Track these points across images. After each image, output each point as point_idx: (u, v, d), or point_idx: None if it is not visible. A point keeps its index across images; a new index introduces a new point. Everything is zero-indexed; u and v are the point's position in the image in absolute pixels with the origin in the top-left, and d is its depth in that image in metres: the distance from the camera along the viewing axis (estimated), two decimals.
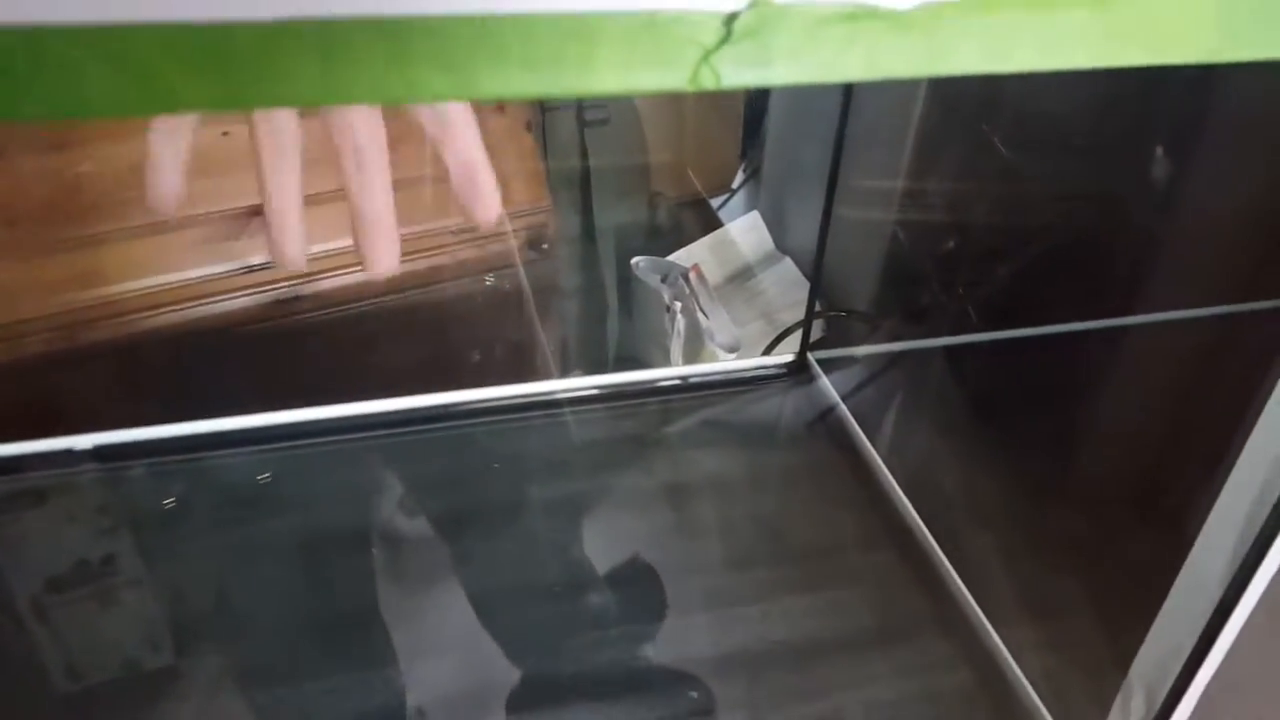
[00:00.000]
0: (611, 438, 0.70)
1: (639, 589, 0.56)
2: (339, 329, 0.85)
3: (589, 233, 1.13)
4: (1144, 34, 0.21)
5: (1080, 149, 0.53)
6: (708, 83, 0.18)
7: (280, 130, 0.33)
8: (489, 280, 0.89)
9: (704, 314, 1.10)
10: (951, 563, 0.55)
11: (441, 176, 0.93)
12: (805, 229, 1.13)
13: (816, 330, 1.04)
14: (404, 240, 0.89)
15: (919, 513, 0.58)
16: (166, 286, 0.82)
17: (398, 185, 0.89)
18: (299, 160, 0.34)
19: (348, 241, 0.86)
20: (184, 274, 0.82)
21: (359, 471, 0.69)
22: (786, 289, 1.17)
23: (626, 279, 1.16)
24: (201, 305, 0.83)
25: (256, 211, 0.83)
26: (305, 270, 0.83)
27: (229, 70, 0.17)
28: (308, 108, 0.34)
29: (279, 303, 0.83)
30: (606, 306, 1.15)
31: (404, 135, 0.91)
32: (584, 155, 1.10)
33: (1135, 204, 0.49)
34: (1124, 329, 0.49)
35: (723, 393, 0.73)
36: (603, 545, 0.59)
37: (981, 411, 0.59)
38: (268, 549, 0.62)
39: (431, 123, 0.34)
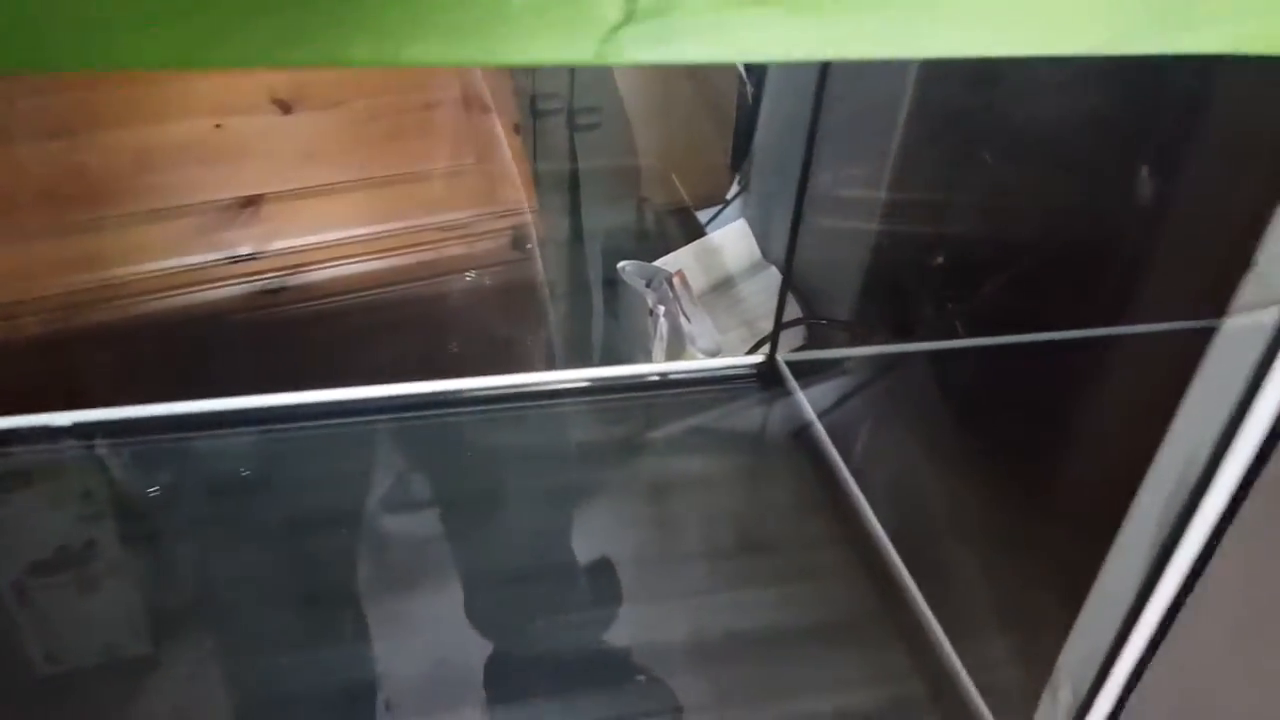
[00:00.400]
0: (576, 430, 0.71)
1: (587, 576, 0.58)
2: (323, 320, 0.87)
3: (577, 235, 1.15)
4: (1036, 26, 0.22)
5: (1035, 165, 0.55)
6: (612, 58, 0.20)
7: None
8: (469, 276, 0.91)
9: (686, 318, 1.11)
10: (902, 560, 0.57)
11: (429, 175, 0.95)
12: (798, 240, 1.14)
13: (799, 336, 1.06)
14: (389, 235, 0.91)
15: (874, 511, 0.60)
16: (158, 273, 0.84)
17: (386, 182, 0.90)
18: None
19: (334, 234, 0.87)
20: (175, 261, 0.84)
21: (324, 456, 0.71)
22: (770, 296, 1.18)
23: (614, 281, 1.18)
24: (190, 292, 0.84)
25: (249, 202, 0.85)
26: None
27: (180, 29, 0.19)
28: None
29: (266, 292, 0.85)
30: (591, 307, 1.17)
31: (395, 133, 0.93)
32: (574, 159, 1.12)
33: (1075, 221, 0.51)
34: (1059, 343, 0.50)
35: (692, 391, 0.74)
36: (550, 533, 0.60)
37: (934, 417, 0.60)
38: (238, 529, 0.64)
39: None
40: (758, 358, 0.78)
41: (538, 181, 1.10)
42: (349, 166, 0.86)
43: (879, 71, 0.81)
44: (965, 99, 0.68)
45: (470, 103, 0.90)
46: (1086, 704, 0.41)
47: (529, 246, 0.95)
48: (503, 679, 0.52)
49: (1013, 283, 0.55)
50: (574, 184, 1.13)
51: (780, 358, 0.76)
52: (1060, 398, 0.49)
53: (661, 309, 1.15)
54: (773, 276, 1.20)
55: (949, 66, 0.67)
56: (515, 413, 0.70)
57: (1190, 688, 0.37)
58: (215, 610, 0.58)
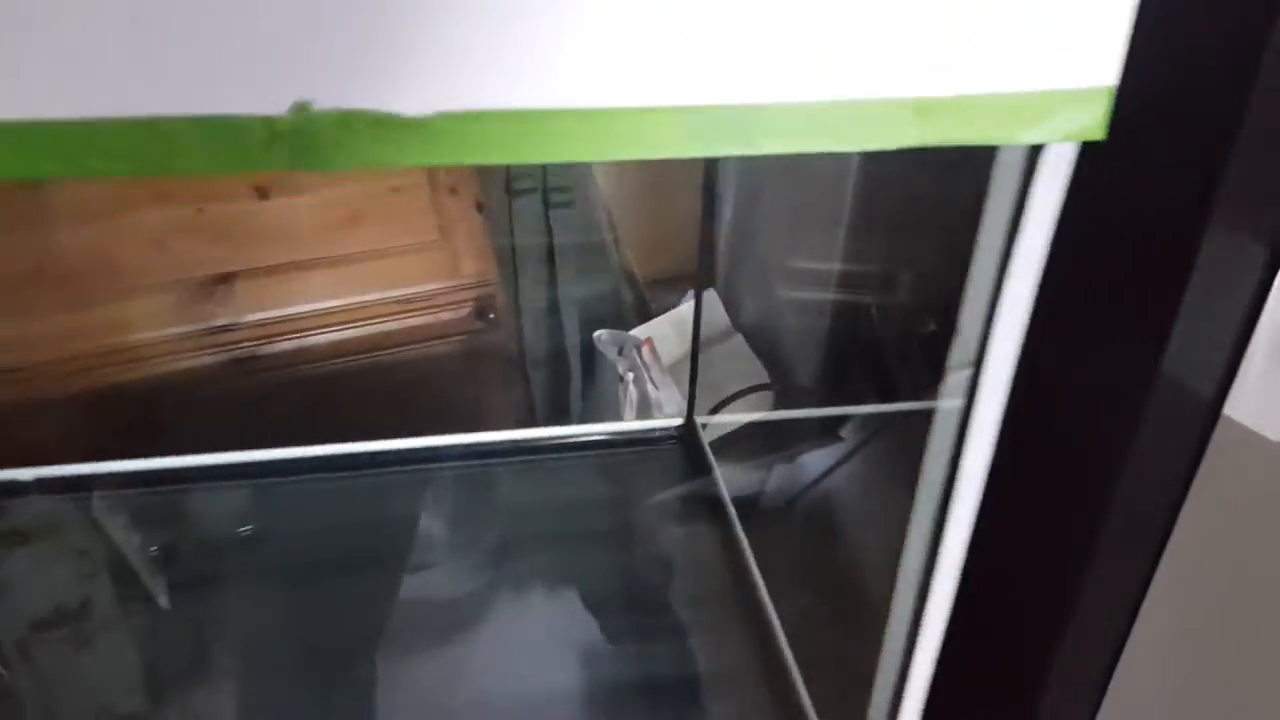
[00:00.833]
0: (489, 489, 0.75)
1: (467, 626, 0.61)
2: (293, 386, 0.93)
3: (553, 306, 1.21)
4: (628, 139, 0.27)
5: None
6: (274, 166, 0.25)
7: None
8: (434, 346, 0.97)
9: (654, 385, 1.16)
10: (781, 629, 0.59)
11: (393, 252, 1.01)
12: (754, 308, 1.18)
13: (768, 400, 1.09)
14: (354, 308, 0.97)
15: (761, 573, 0.62)
16: (142, 343, 0.91)
17: (348, 260, 0.97)
18: None
19: (303, 307, 0.94)
20: (157, 332, 0.91)
21: (272, 508, 0.76)
22: (736, 362, 1.22)
23: (590, 350, 1.23)
24: (171, 359, 0.91)
25: (222, 279, 0.92)
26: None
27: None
28: None
29: (237, 361, 0.91)
30: (568, 374, 1.22)
31: (361, 214, 1.00)
32: (549, 234, 1.18)
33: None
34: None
35: (611, 451, 0.78)
36: (438, 586, 0.64)
37: (822, 482, 0.63)
38: (218, 578, 0.69)
39: None
40: (678, 420, 0.81)
41: (515, 256, 1.17)
42: (318, 245, 0.93)
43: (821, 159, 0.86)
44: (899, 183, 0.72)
45: (436, 184, 0.97)
46: None
47: (491, 316, 1.01)
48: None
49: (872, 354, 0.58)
50: (550, 258, 1.19)
51: (698, 420, 0.80)
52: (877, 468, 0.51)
53: (631, 376, 1.19)
54: (738, 344, 1.23)
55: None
56: (430, 473, 0.75)
57: None
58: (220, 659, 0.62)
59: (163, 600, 0.68)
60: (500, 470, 0.76)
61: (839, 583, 0.60)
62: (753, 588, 0.63)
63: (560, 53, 0.25)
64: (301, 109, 0.25)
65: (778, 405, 1.02)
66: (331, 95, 0.24)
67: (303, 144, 0.25)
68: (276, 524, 0.75)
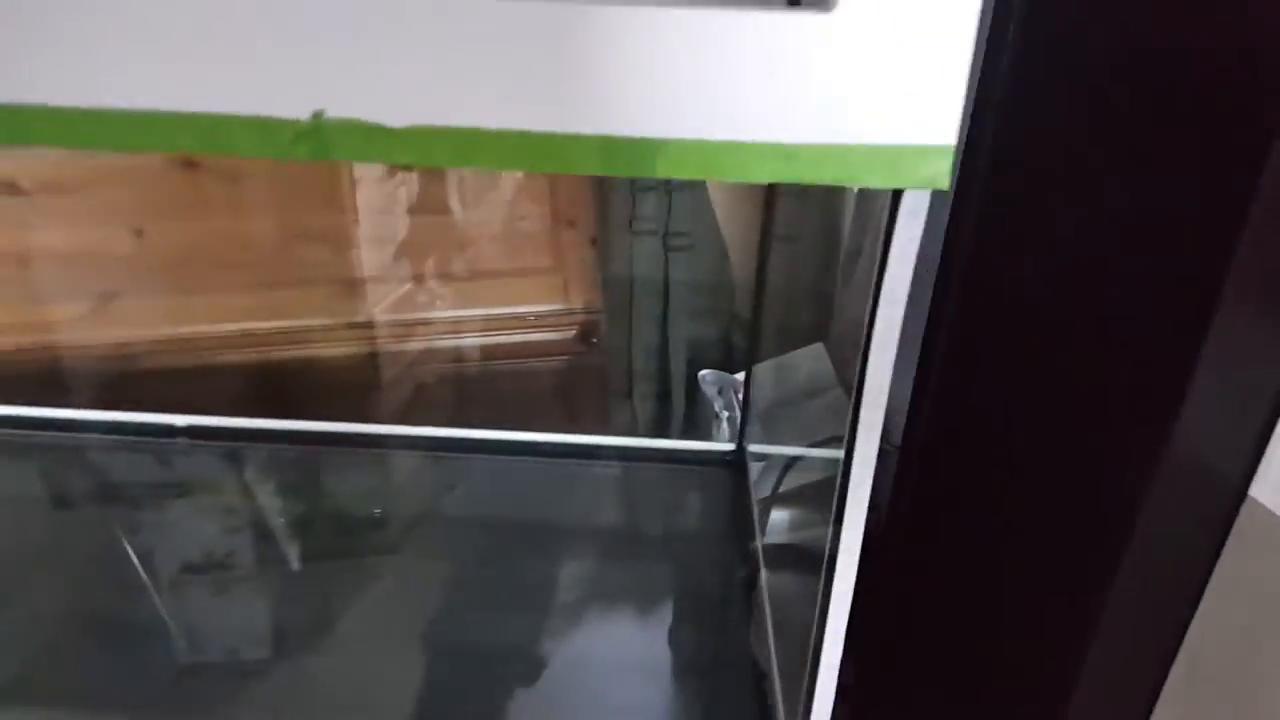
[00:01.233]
0: (543, 488, 0.84)
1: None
2: (413, 382, 1.06)
3: (664, 342, 1.29)
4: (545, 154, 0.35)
5: None
6: (296, 156, 0.34)
7: None
8: (540, 362, 1.07)
9: (739, 436, 1.21)
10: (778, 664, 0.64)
11: (515, 272, 1.13)
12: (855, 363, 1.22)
13: None
14: (474, 320, 1.09)
15: (771, 613, 0.67)
16: (298, 327, 1.06)
17: (475, 276, 1.09)
18: None
19: (431, 314, 1.07)
20: (311, 320, 1.06)
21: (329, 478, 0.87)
22: (834, 414, 1.25)
23: (693, 387, 1.30)
24: (319, 345, 1.06)
25: (368, 281, 1.07)
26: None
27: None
28: None
29: (371, 355, 1.05)
30: (670, 408, 1.29)
31: (485, 240, 1.12)
32: (665, 274, 1.27)
33: None
34: None
35: (662, 467, 0.85)
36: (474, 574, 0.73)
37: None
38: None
39: None
40: (730, 445, 0.87)
41: (633, 290, 1.26)
42: (451, 262, 1.06)
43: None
44: None
45: (557, 218, 1.08)
46: None
47: (594, 341, 1.10)
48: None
49: None
50: (665, 296, 1.27)
51: (748, 447, 0.85)
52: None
53: (726, 414, 1.26)
54: (839, 396, 1.27)
55: None
56: (500, 464, 0.84)
57: None
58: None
59: (295, 555, 0.78)
60: (564, 466, 0.84)
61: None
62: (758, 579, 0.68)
63: (492, 88, 0.33)
64: (317, 116, 0.34)
65: None
66: (338, 107, 0.34)
67: (317, 141, 0.34)
68: (389, 492, 0.86)
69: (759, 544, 0.73)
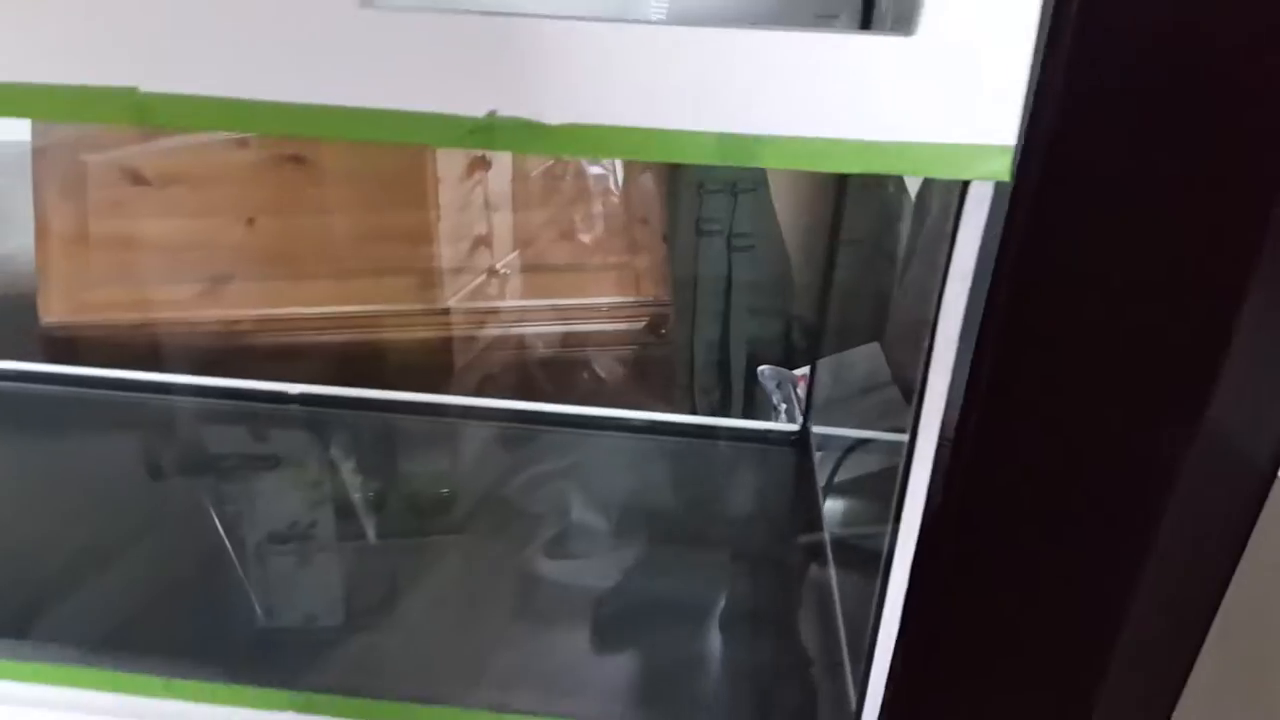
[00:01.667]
0: (609, 459, 0.92)
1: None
2: (489, 366, 1.14)
3: (725, 337, 1.36)
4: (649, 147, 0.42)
5: None
6: (469, 146, 0.42)
7: None
8: (610, 351, 1.15)
9: (803, 418, 1.28)
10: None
11: (591, 266, 1.21)
12: (909, 363, 1.28)
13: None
14: (550, 309, 1.17)
15: (838, 587, 0.74)
16: (380, 311, 1.15)
17: (553, 269, 1.17)
18: None
19: (509, 303, 1.16)
20: (393, 306, 1.15)
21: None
22: (888, 413, 1.31)
23: (752, 381, 1.37)
24: (402, 330, 1.15)
25: (448, 272, 1.15)
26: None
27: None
28: None
29: (445, 340, 1.14)
30: (729, 400, 1.37)
31: (564, 233, 1.21)
32: (729, 272, 1.34)
33: None
34: None
35: (728, 444, 0.92)
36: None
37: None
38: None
39: None
40: (795, 426, 0.94)
41: (697, 288, 1.34)
42: (530, 253, 1.15)
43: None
44: None
45: (631, 214, 1.16)
46: None
47: (663, 332, 1.18)
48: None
49: None
50: (727, 294, 1.35)
51: (813, 428, 0.92)
52: None
53: (784, 408, 1.32)
54: (893, 394, 1.33)
55: None
56: (568, 437, 0.93)
57: None
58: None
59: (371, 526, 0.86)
60: (635, 443, 0.92)
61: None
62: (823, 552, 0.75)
63: (627, 86, 0.41)
64: (491, 114, 0.42)
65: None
66: (508, 107, 0.42)
67: (486, 135, 0.42)
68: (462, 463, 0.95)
69: (823, 512, 0.80)
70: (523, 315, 1.14)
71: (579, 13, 0.40)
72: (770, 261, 1.37)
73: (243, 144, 1.13)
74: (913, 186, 1.25)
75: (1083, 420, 0.72)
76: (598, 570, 0.79)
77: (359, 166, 1.15)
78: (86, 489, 0.90)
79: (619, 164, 1.14)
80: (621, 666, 0.69)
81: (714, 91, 0.41)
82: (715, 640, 0.73)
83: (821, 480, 0.85)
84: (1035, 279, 0.61)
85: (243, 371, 1.04)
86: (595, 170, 1.14)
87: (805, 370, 1.36)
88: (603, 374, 1.17)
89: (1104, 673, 0.68)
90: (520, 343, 1.15)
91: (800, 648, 0.72)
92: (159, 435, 1.01)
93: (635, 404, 1.20)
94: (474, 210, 1.14)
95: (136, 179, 1.13)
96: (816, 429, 0.93)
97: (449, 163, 1.12)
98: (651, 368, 1.18)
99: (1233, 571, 0.64)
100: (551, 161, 1.14)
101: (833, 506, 0.82)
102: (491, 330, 1.15)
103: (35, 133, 1.12)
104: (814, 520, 0.82)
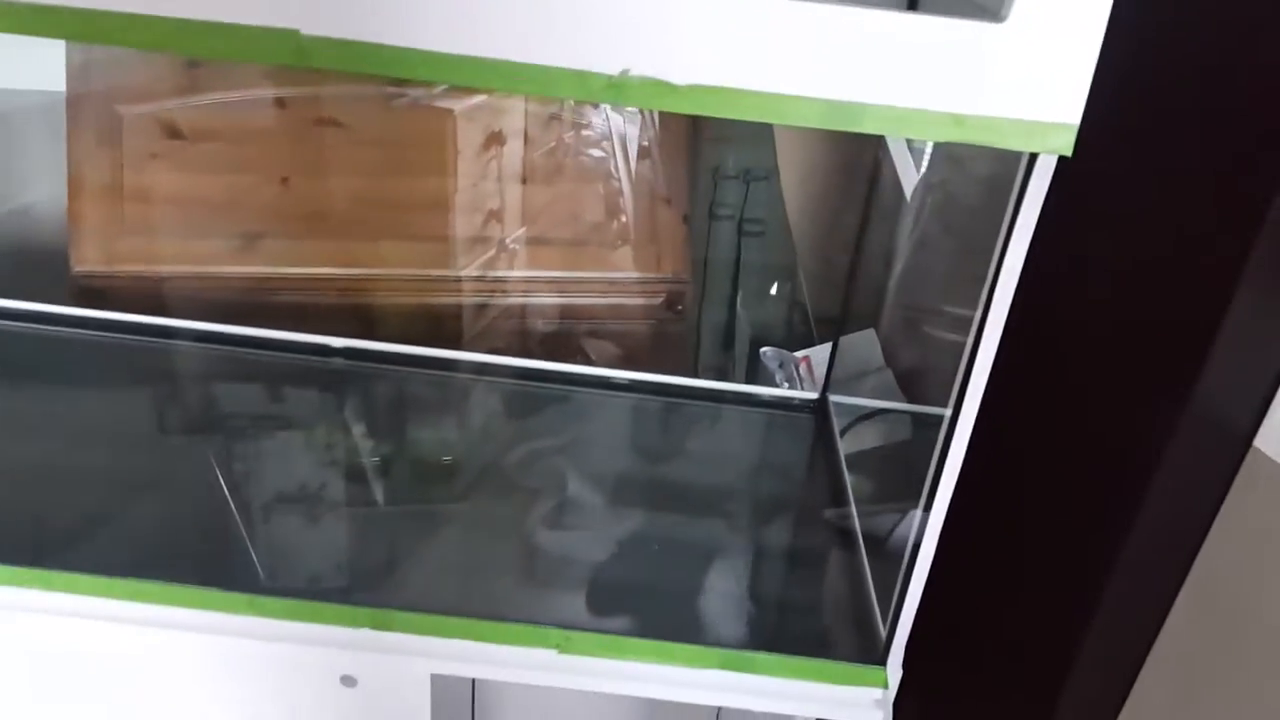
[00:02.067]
0: (633, 421, 0.98)
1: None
2: (511, 331, 1.19)
3: (732, 318, 1.42)
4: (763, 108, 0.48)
5: None
6: (603, 99, 0.48)
7: None
8: (629, 324, 1.20)
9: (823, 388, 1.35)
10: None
11: (608, 242, 1.26)
12: (902, 348, 1.35)
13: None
14: (574, 281, 1.22)
15: (865, 546, 0.80)
16: (423, 277, 1.19)
17: (578, 242, 1.22)
18: None
19: (537, 272, 1.20)
20: (435, 271, 1.19)
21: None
22: (881, 394, 1.39)
23: (755, 361, 1.44)
24: (429, 295, 1.19)
25: (485, 241, 1.20)
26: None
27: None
28: None
29: (479, 307, 1.19)
30: (726, 375, 1.43)
31: (590, 210, 1.26)
32: (738, 256, 1.40)
33: None
34: None
35: (750, 410, 0.99)
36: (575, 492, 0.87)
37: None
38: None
39: None
40: (814, 394, 1.01)
41: (707, 269, 1.40)
42: (558, 227, 1.19)
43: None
44: None
45: (655, 196, 1.21)
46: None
47: (679, 309, 1.24)
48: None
49: None
50: (735, 276, 1.41)
51: (831, 397, 0.99)
52: None
53: (786, 386, 1.39)
54: (887, 378, 1.40)
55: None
56: (595, 396, 0.99)
57: None
58: None
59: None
60: (662, 405, 0.99)
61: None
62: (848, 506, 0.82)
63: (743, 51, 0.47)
64: (624, 72, 0.48)
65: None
66: (640, 66, 0.47)
67: (621, 91, 0.48)
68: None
69: (845, 474, 0.87)
70: (546, 286, 1.19)
71: None
72: (777, 248, 1.43)
73: (279, 104, 1.16)
74: (908, 187, 1.32)
75: (1081, 399, 0.79)
76: (646, 514, 0.85)
77: (394, 135, 1.18)
78: (138, 427, 0.94)
79: (655, 145, 1.19)
80: (667, 591, 0.76)
81: (824, 62, 0.47)
82: (775, 563, 0.79)
83: (841, 441, 0.92)
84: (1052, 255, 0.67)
85: (273, 325, 1.07)
86: (621, 154, 1.20)
87: (806, 351, 1.43)
88: (619, 345, 1.22)
89: (1092, 612, 0.74)
90: (543, 312, 1.20)
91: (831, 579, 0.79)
92: (198, 383, 1.05)
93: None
94: (503, 185, 1.19)
95: (172, 132, 1.16)
96: (834, 398, 1.00)
97: (478, 141, 1.17)
98: (665, 342, 1.23)
99: (1209, 526, 0.70)
100: (580, 142, 1.19)
101: (853, 464, 0.89)
102: (516, 299, 1.19)
103: (70, 82, 1.13)
104: (837, 476, 0.89)
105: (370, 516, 0.84)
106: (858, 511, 0.81)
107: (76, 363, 1.03)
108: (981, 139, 0.47)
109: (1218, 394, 0.65)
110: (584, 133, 1.18)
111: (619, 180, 1.20)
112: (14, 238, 1.28)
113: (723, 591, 0.76)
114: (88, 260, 1.16)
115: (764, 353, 1.44)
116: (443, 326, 1.19)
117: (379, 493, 0.87)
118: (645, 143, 1.19)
